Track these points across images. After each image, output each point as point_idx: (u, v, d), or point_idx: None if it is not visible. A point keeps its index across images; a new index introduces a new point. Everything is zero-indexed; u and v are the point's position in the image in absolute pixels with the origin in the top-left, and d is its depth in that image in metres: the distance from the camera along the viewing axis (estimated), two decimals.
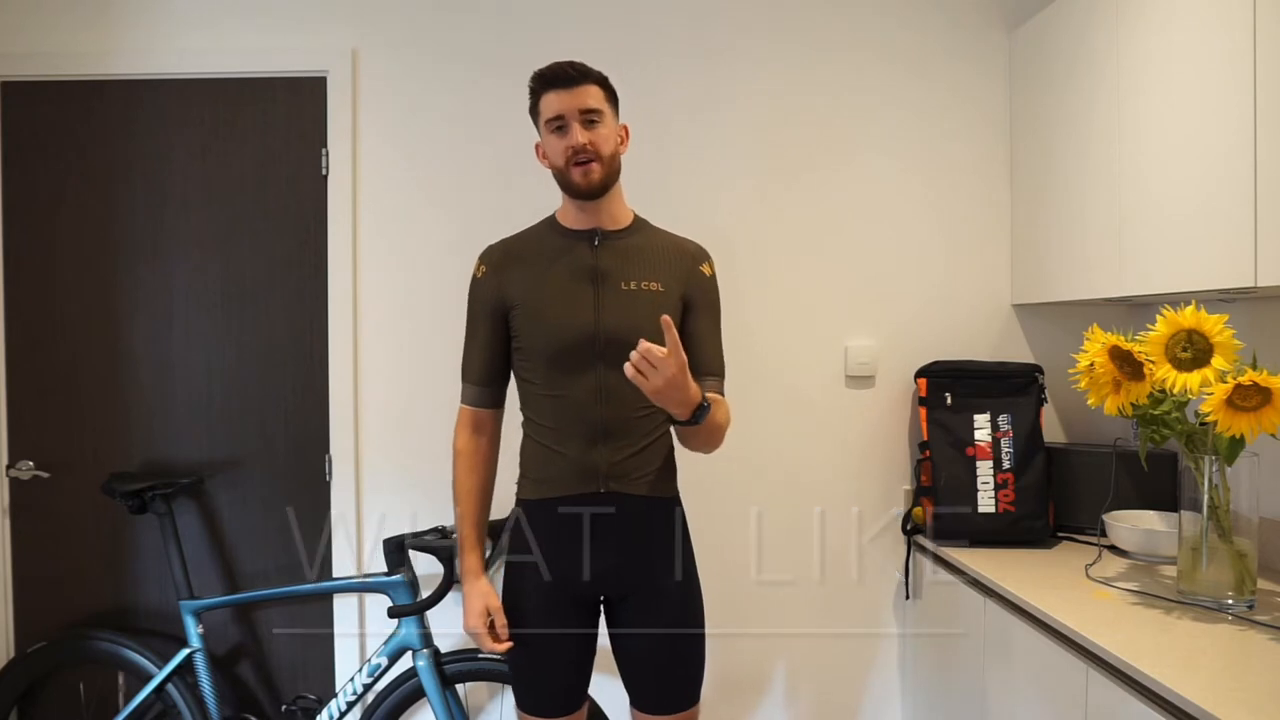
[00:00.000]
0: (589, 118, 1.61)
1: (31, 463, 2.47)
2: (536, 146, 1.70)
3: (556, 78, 1.61)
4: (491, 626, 1.66)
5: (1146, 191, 1.82)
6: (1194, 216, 1.67)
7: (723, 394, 1.71)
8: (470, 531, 1.70)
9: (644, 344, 1.41)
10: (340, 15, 2.45)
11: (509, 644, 1.66)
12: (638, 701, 1.71)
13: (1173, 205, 1.74)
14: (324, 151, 2.45)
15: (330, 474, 2.46)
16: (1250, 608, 1.62)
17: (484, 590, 1.68)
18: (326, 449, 2.47)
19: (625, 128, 1.72)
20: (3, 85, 2.46)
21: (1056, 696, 1.63)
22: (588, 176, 1.61)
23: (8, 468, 2.47)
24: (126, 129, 2.46)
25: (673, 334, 1.42)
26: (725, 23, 2.45)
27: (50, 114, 2.46)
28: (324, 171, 2.45)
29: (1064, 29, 2.16)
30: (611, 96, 1.67)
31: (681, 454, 1.78)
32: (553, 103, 1.61)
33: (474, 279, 1.72)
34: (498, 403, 1.74)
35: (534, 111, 1.67)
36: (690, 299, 1.70)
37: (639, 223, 1.74)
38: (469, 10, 2.45)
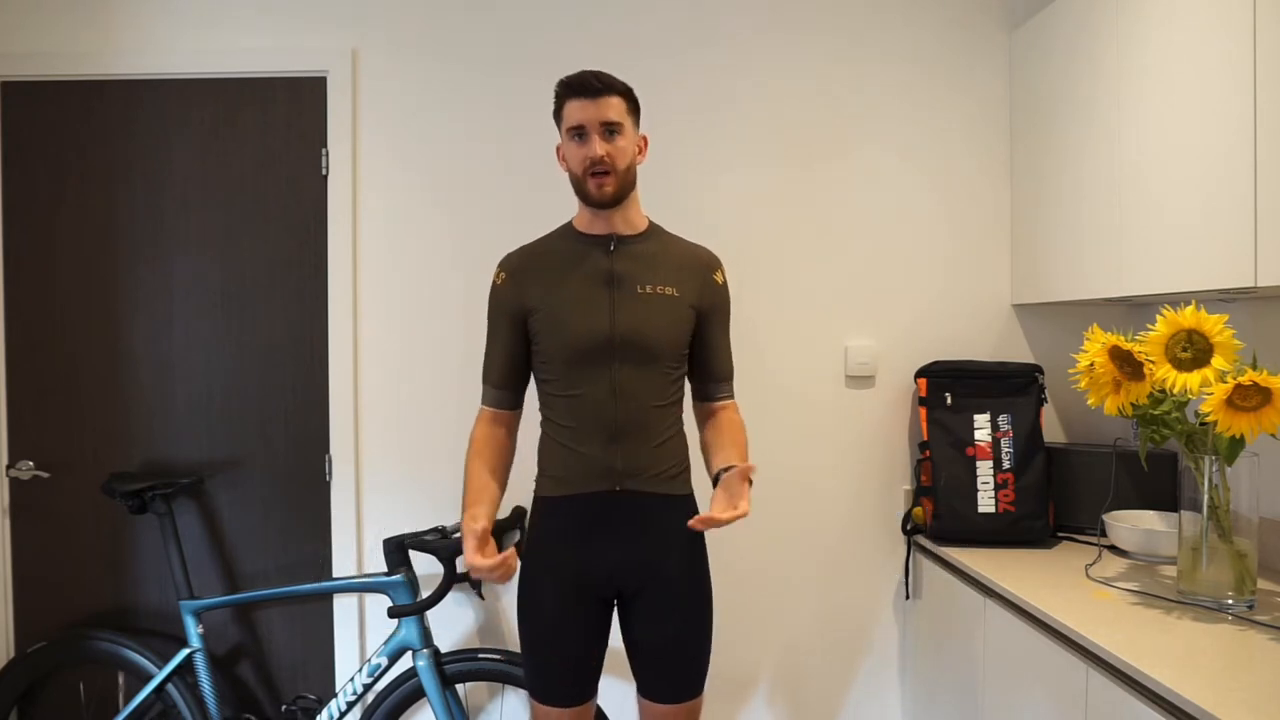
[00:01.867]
0: (609, 129, 1.65)
1: (31, 463, 2.47)
2: (557, 149, 1.75)
3: (581, 87, 1.65)
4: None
5: (1146, 191, 1.82)
6: (1194, 216, 1.67)
7: (733, 394, 1.82)
8: (473, 496, 1.66)
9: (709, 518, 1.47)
10: (340, 15, 2.45)
11: (505, 554, 1.57)
12: (645, 690, 1.74)
13: (1173, 205, 1.74)
14: (324, 151, 2.45)
15: (330, 474, 2.46)
16: (1250, 608, 1.62)
17: (469, 525, 1.60)
18: (326, 449, 2.47)
19: (644, 138, 1.77)
20: (3, 85, 2.46)
21: (1056, 696, 1.63)
22: (602, 189, 1.66)
23: (8, 468, 2.47)
24: (126, 129, 2.46)
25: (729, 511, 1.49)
26: (725, 23, 2.45)
27: (50, 114, 2.46)
28: (324, 171, 2.45)
29: (1064, 29, 2.16)
30: (634, 108, 1.71)
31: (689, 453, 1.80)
32: (575, 111, 1.65)
33: (494, 285, 1.76)
34: (516, 405, 1.78)
35: (557, 116, 1.71)
36: (704, 307, 1.75)
37: (654, 229, 1.78)
38: (469, 10, 2.45)
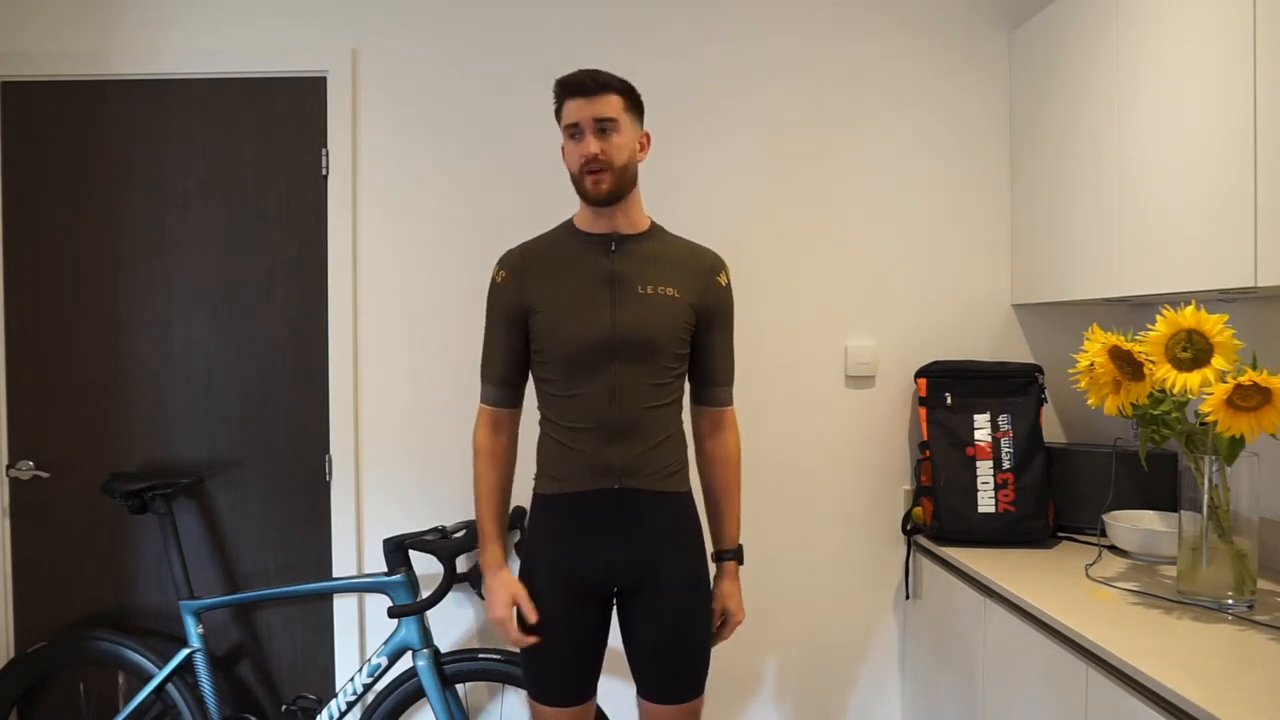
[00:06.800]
0: (602, 126, 1.65)
1: (31, 463, 2.47)
2: (562, 149, 1.74)
3: (577, 86, 1.66)
4: (519, 620, 1.71)
5: (1146, 191, 1.82)
6: (1194, 216, 1.67)
7: (731, 401, 1.83)
8: (492, 526, 1.74)
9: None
10: (340, 15, 2.45)
11: (535, 638, 1.68)
12: (645, 691, 1.74)
13: (1173, 205, 1.74)
14: (324, 151, 2.45)
15: (330, 474, 2.46)
16: (1250, 608, 1.62)
17: (507, 580, 1.70)
18: (326, 449, 2.47)
19: (647, 135, 1.76)
20: (2, 85, 2.46)
21: (1056, 696, 1.63)
22: (598, 185, 1.66)
23: (8, 468, 2.47)
24: (126, 129, 2.46)
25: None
26: (726, 23, 2.45)
27: (50, 114, 2.46)
28: (324, 171, 2.45)
29: (1063, 29, 2.16)
30: (633, 105, 1.71)
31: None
32: (571, 110, 1.66)
33: (493, 284, 1.76)
34: (516, 403, 1.78)
35: (558, 116, 1.72)
36: (707, 310, 1.75)
37: (656, 229, 1.78)
38: (469, 10, 2.45)
